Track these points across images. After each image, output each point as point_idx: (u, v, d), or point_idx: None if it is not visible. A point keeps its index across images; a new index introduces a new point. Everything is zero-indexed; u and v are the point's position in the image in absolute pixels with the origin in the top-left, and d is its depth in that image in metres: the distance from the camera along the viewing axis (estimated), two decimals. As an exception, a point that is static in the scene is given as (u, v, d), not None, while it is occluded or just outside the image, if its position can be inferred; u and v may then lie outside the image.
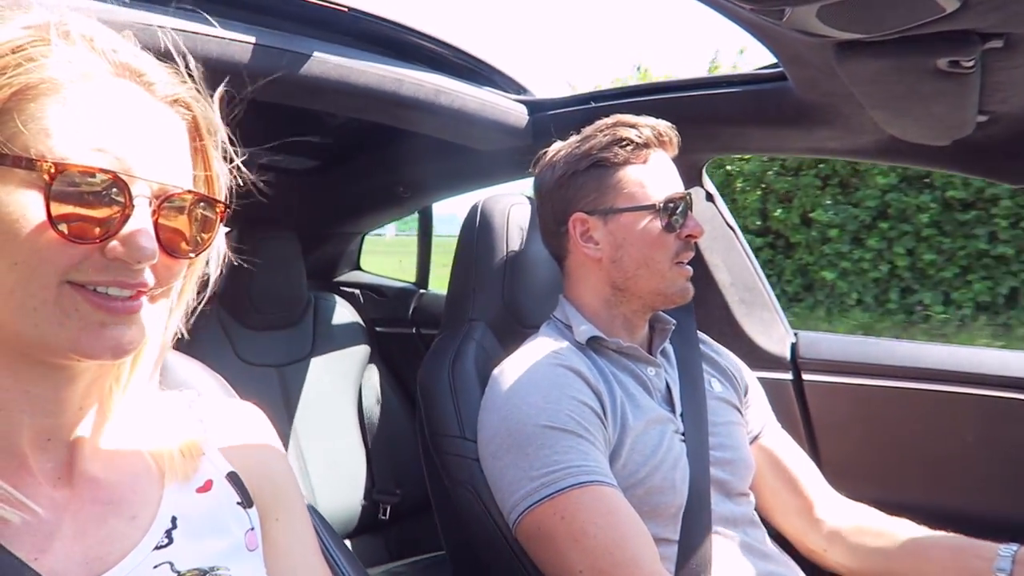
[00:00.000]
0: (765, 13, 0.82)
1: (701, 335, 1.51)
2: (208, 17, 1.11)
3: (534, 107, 1.77)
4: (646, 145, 1.28)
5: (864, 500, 1.40)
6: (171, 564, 0.64)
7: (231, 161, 0.71)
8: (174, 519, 0.66)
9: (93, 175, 0.56)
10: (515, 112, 1.74)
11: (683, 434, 1.28)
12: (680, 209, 1.27)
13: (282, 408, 2.24)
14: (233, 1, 1.26)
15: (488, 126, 1.69)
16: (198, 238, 0.64)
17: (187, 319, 0.72)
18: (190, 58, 0.69)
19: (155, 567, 0.63)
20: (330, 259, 2.82)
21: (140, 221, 0.58)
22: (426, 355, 1.47)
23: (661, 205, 1.26)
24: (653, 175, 1.29)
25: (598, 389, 1.21)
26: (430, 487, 1.41)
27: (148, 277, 0.60)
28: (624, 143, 1.27)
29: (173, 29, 1.09)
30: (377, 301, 2.77)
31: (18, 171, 0.55)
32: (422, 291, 2.71)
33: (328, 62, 1.34)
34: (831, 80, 1.11)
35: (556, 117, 1.71)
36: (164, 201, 0.60)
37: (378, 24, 1.50)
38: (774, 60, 1.23)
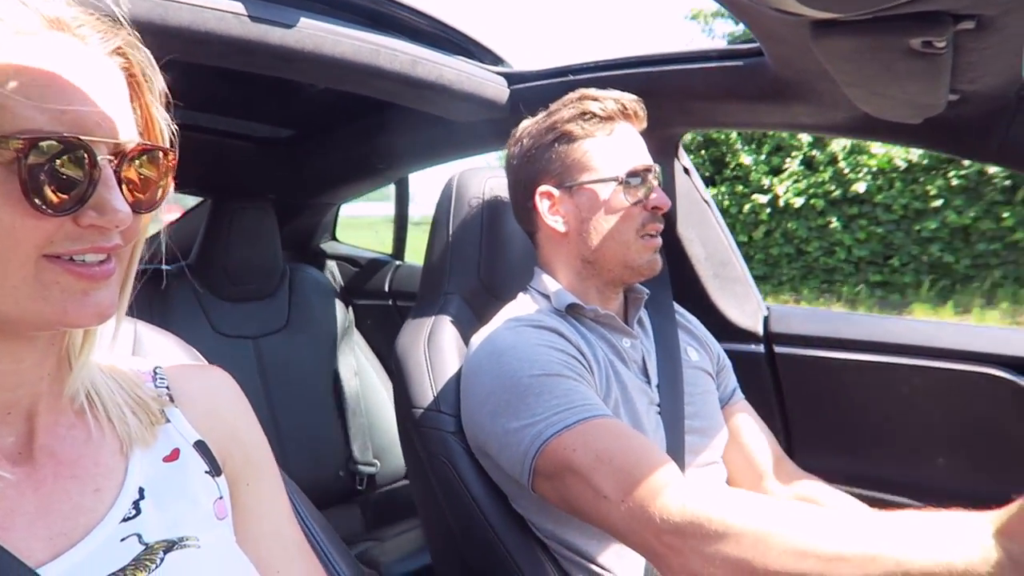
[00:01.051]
0: (742, -10, 0.83)
1: (675, 305, 1.52)
2: None
3: (512, 79, 1.75)
4: (610, 118, 1.28)
5: (833, 471, 1.44)
6: (139, 536, 0.63)
7: (169, 109, 0.67)
8: (141, 490, 0.66)
9: (57, 143, 0.53)
10: (493, 83, 1.72)
11: (659, 405, 1.30)
12: (645, 180, 1.27)
13: (258, 380, 2.24)
14: None
15: (466, 98, 1.67)
16: (156, 189, 0.62)
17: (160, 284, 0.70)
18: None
19: (122, 540, 0.62)
20: (306, 230, 2.80)
21: (109, 184, 0.56)
22: (402, 328, 1.47)
23: (624, 177, 1.26)
24: (617, 147, 1.28)
25: (579, 346, 1.22)
26: (406, 459, 1.42)
27: (118, 237, 0.59)
28: (588, 116, 1.27)
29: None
30: (354, 273, 2.76)
31: None
32: (398, 263, 2.70)
33: (303, 31, 1.31)
34: (807, 57, 1.11)
35: (534, 89, 1.70)
36: (123, 158, 0.58)
37: (355, -7, 1.47)
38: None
